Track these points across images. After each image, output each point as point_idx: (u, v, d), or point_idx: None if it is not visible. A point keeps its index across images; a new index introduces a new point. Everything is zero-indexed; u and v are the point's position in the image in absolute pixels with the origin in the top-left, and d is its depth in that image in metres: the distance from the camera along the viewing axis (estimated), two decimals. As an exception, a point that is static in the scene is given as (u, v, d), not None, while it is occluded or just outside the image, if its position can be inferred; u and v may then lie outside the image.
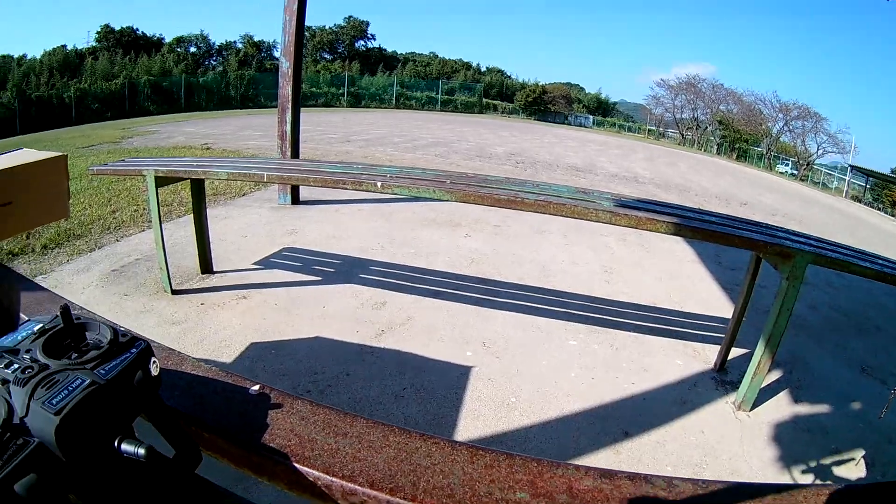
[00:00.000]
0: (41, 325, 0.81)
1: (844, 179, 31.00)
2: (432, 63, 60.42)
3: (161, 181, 4.27)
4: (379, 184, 3.72)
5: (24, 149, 2.00)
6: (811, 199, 20.16)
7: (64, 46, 41.20)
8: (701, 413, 3.48)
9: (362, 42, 60.34)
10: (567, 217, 3.45)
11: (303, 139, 7.89)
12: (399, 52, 62.13)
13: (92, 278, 4.83)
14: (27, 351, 0.75)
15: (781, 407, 3.64)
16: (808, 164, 38.40)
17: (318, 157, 11.06)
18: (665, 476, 0.82)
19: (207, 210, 4.94)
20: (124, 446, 0.68)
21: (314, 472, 0.82)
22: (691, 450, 3.09)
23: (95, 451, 0.67)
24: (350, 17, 59.29)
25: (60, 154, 1.92)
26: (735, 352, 4.10)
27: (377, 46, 61.02)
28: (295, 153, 7.58)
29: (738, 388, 3.66)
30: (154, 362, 0.79)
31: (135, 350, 0.78)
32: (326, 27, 58.34)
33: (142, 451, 0.67)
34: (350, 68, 52.54)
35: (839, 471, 3.12)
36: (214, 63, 51.54)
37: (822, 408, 3.70)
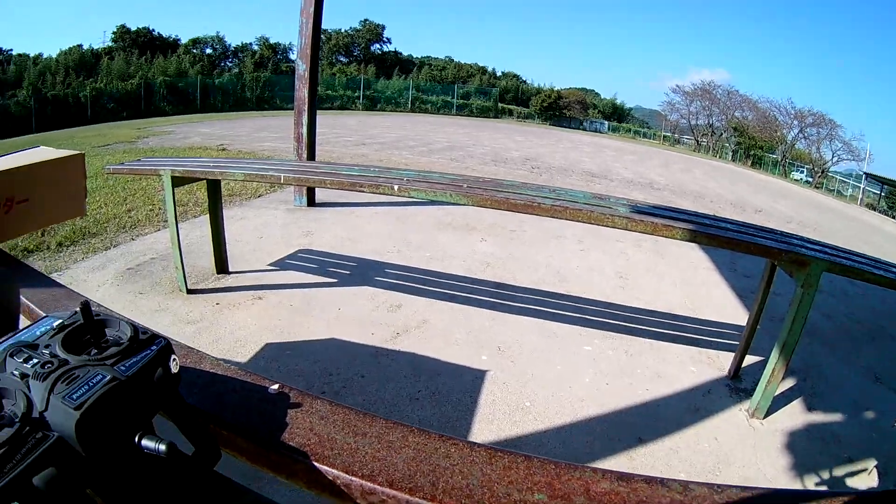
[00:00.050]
0: (60, 320, 0.82)
1: (859, 187, 30.79)
2: (448, 67, 60.40)
3: (177, 181, 4.30)
4: (396, 187, 3.73)
5: (41, 147, 2.01)
6: (826, 207, 20.05)
7: (80, 46, 41.43)
8: (714, 420, 3.47)
9: (378, 45, 60.41)
10: (583, 222, 3.45)
11: (318, 142, 7.90)
12: (415, 56, 62.11)
13: (107, 276, 4.87)
14: (46, 346, 0.75)
15: (795, 415, 3.63)
16: (822, 172, 38.18)
17: (334, 160, 11.08)
18: (681, 480, 0.82)
19: (223, 210, 4.97)
20: (145, 442, 0.68)
21: (333, 470, 0.82)
22: (705, 457, 3.09)
23: (115, 447, 0.68)
24: (366, 20, 59.39)
25: (78, 152, 1.93)
26: (749, 359, 4.08)
27: (393, 50, 61.06)
28: (311, 155, 7.58)
29: (751, 395, 3.65)
30: (174, 360, 0.80)
31: (155, 347, 0.78)
32: (342, 30, 58.44)
33: (163, 447, 0.67)
34: (366, 71, 52.62)
35: (851, 480, 3.11)
36: (230, 65, 51.72)
37: (836, 416, 3.68)
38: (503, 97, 57.34)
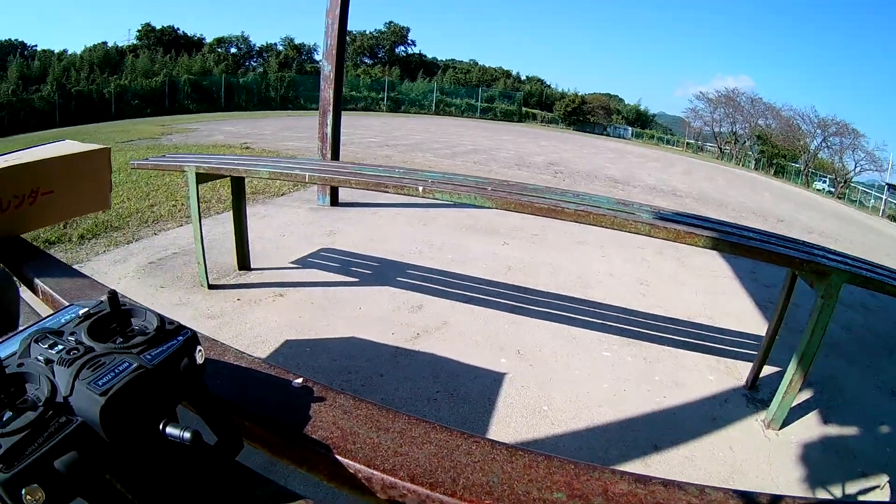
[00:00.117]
0: (86, 309, 0.82)
1: (881, 198, 30.53)
2: (472, 70, 60.43)
3: (202, 178, 4.34)
4: (420, 188, 3.73)
5: (67, 140, 2.04)
6: (848, 218, 19.87)
7: (104, 43, 41.86)
8: (730, 430, 3.44)
9: (403, 48, 60.60)
10: (606, 228, 3.43)
11: (342, 142, 7.93)
12: (439, 59, 62.22)
13: (128, 269, 4.92)
14: (71, 333, 0.76)
15: (810, 427, 3.59)
16: (845, 182, 37.88)
17: (358, 161, 11.11)
18: (698, 484, 0.83)
19: (247, 208, 5.00)
20: (169, 430, 0.68)
21: (355, 464, 0.83)
22: (719, 465, 3.07)
23: (139, 434, 0.68)
24: (391, 22, 59.57)
25: (104, 146, 1.95)
26: (767, 369, 4.05)
27: (417, 52, 61.20)
28: (335, 155, 7.61)
29: (768, 406, 3.61)
30: (199, 350, 0.81)
31: (181, 338, 0.79)
32: (367, 32, 58.67)
33: (188, 434, 0.68)
34: (390, 73, 52.79)
35: (864, 495, 3.08)
36: (255, 64, 52.05)
37: (851, 430, 3.65)
38: (527, 101, 57.35)
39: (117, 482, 0.66)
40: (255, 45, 52.91)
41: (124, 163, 8.14)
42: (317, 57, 51.16)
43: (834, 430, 3.61)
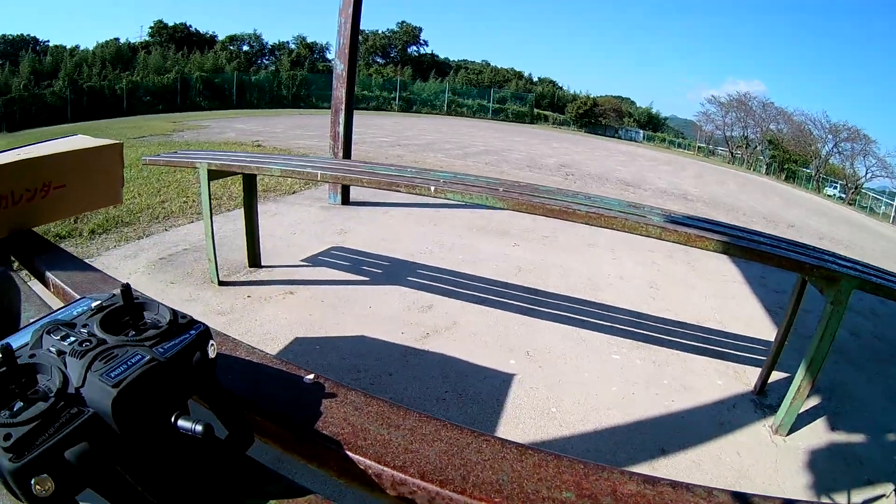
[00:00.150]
0: (98, 302, 0.83)
1: (892, 205, 30.44)
2: (484, 71, 60.41)
3: (213, 174, 4.35)
4: (432, 188, 3.74)
5: (79, 135, 2.05)
6: (858, 224, 19.78)
7: (116, 39, 42.11)
8: (738, 435, 3.43)
9: (415, 47, 60.64)
10: (617, 230, 3.43)
11: (354, 141, 7.94)
12: (451, 59, 62.20)
13: (139, 264, 4.94)
14: (84, 325, 0.77)
15: (818, 434, 3.57)
16: (856, 188, 37.77)
17: (370, 160, 11.14)
18: (706, 486, 0.83)
19: (258, 205, 5.02)
20: (181, 422, 0.69)
21: (365, 460, 0.83)
22: (726, 470, 3.06)
23: (151, 426, 0.68)
24: (403, 22, 59.64)
25: (116, 142, 1.97)
26: (776, 375, 4.03)
27: (429, 52, 61.24)
28: (347, 154, 7.63)
29: (776, 411, 3.59)
30: (212, 345, 0.81)
31: (194, 332, 0.79)
32: (380, 31, 58.75)
33: (199, 427, 0.68)
34: (402, 73, 52.84)
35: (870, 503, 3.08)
36: (267, 62, 52.19)
37: (858, 437, 3.63)
38: (539, 103, 57.30)
39: (128, 474, 0.67)
40: (267, 43, 53.11)
41: (136, 159, 8.18)
42: (329, 56, 51.33)
43: (841, 437, 3.59)
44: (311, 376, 1.03)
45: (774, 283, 6.64)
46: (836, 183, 40.32)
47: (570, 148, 26.64)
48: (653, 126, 60.79)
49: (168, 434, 0.70)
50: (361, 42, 54.67)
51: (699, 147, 53.13)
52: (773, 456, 3.26)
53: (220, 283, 4.65)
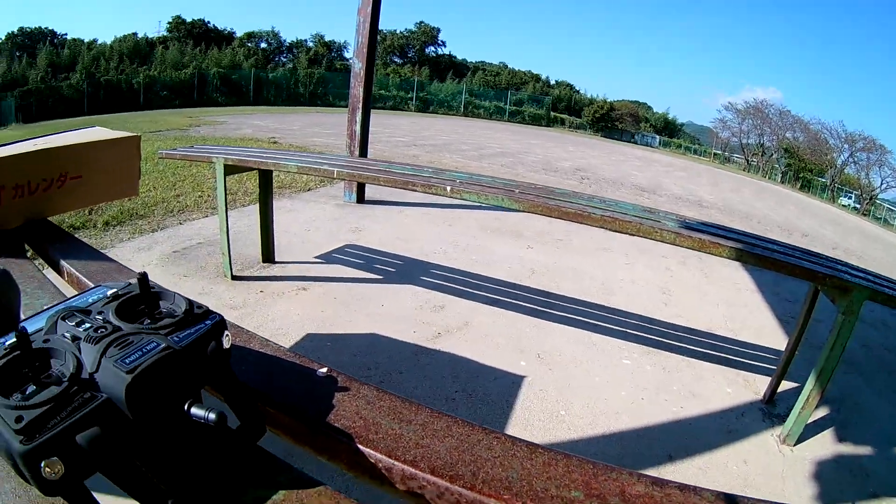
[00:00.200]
0: (114, 290, 0.84)
1: (907, 216, 30.28)
2: (502, 73, 60.39)
3: (230, 169, 4.36)
4: (448, 188, 3.74)
5: (97, 127, 2.06)
6: (872, 235, 19.62)
7: (134, 34, 42.34)
8: (745, 443, 3.41)
9: (433, 48, 60.75)
10: (632, 235, 3.42)
11: (370, 140, 7.97)
12: (469, 61, 62.26)
13: (152, 257, 4.97)
14: (99, 313, 0.77)
15: (825, 444, 3.55)
16: (871, 199, 37.53)
17: (386, 159, 11.17)
18: (714, 490, 0.83)
19: (273, 202, 5.04)
20: (194, 410, 0.69)
21: (376, 454, 0.83)
22: (732, 479, 3.04)
23: (164, 413, 0.69)
24: (421, 22, 59.82)
25: (134, 134, 1.97)
26: (785, 384, 4.00)
27: (447, 53, 61.34)
28: (363, 153, 7.65)
29: (784, 421, 3.57)
30: (227, 335, 0.82)
31: (209, 322, 0.80)
32: (398, 31, 58.91)
33: (213, 415, 0.68)
34: (420, 73, 52.87)
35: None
36: (284, 60, 52.37)
37: (866, 449, 3.60)
38: (556, 106, 57.19)
39: (138, 460, 0.67)
40: (285, 40, 53.32)
41: (152, 152, 8.21)
42: (346, 54, 51.48)
43: (848, 448, 3.57)
44: (325, 370, 1.04)
45: (787, 293, 6.61)
46: (851, 193, 40.10)
47: (586, 152, 26.60)
48: (669, 132, 60.52)
49: (180, 422, 0.71)
50: (379, 41, 54.67)
51: (715, 154, 52.93)
52: (780, 465, 3.24)
53: (234, 278, 4.67)
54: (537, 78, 61.67)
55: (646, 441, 3.27)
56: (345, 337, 3.95)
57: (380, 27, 7.55)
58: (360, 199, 7.96)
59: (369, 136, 7.81)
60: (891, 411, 4.20)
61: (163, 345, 0.70)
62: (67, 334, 0.72)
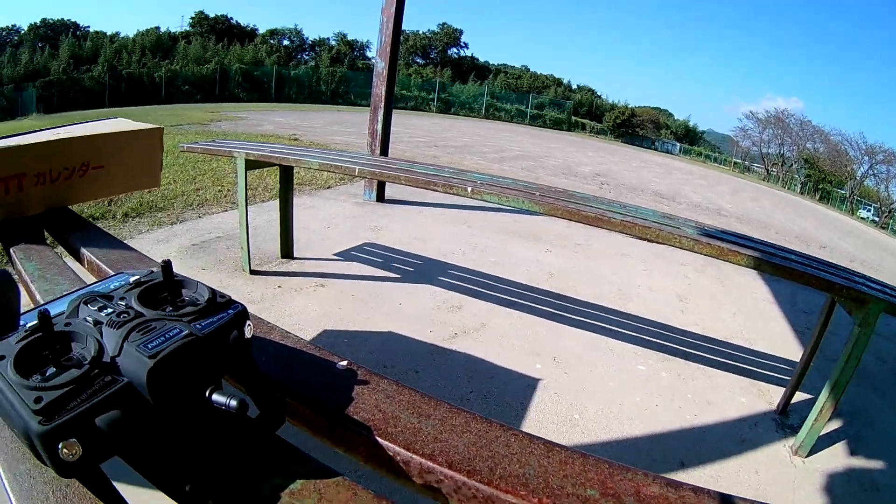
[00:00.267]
0: (136, 277, 0.85)
1: (926, 231, 30.06)
2: (523, 76, 60.34)
3: (251, 164, 4.38)
4: (469, 189, 3.73)
5: (120, 118, 2.09)
6: (891, 249, 19.38)
7: (157, 28, 42.67)
8: (757, 453, 3.39)
9: (455, 49, 60.73)
10: (651, 240, 3.41)
11: (391, 140, 7.98)
12: (491, 63, 62.27)
13: (171, 249, 5.00)
14: (121, 299, 0.78)
15: (837, 457, 3.52)
16: (890, 212, 37.25)
17: (407, 158, 11.19)
18: (728, 494, 0.83)
19: (293, 198, 5.07)
20: (215, 397, 0.70)
21: (394, 447, 0.84)
22: (743, 488, 3.02)
23: (185, 399, 0.69)
24: (444, 23, 59.85)
25: (157, 126, 1.99)
26: (799, 396, 3.97)
27: (469, 55, 61.35)
28: (384, 152, 7.67)
29: (797, 432, 3.54)
30: (249, 325, 0.83)
31: (232, 311, 0.81)
32: (420, 32, 58.99)
33: (234, 402, 0.69)
34: (441, 74, 52.91)
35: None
36: (306, 58, 52.51)
37: (877, 463, 3.58)
38: (577, 111, 57.07)
39: (157, 444, 0.68)
40: (307, 38, 53.49)
41: (172, 146, 8.26)
42: (369, 54, 51.60)
43: (860, 462, 3.55)
44: (345, 363, 1.05)
45: (803, 304, 6.57)
46: (870, 206, 39.84)
47: (607, 157, 26.54)
48: (690, 139, 60.29)
49: (201, 408, 0.71)
50: (402, 42, 54.60)
51: (735, 163, 52.69)
52: (792, 476, 3.23)
53: (252, 272, 4.69)
54: (559, 82, 61.57)
55: (659, 447, 3.26)
56: (361, 334, 3.95)
57: (403, 27, 7.57)
58: (380, 197, 7.99)
59: (390, 135, 7.82)
60: (903, 425, 4.17)
61: (186, 331, 0.71)
62: (89, 318, 0.74)
